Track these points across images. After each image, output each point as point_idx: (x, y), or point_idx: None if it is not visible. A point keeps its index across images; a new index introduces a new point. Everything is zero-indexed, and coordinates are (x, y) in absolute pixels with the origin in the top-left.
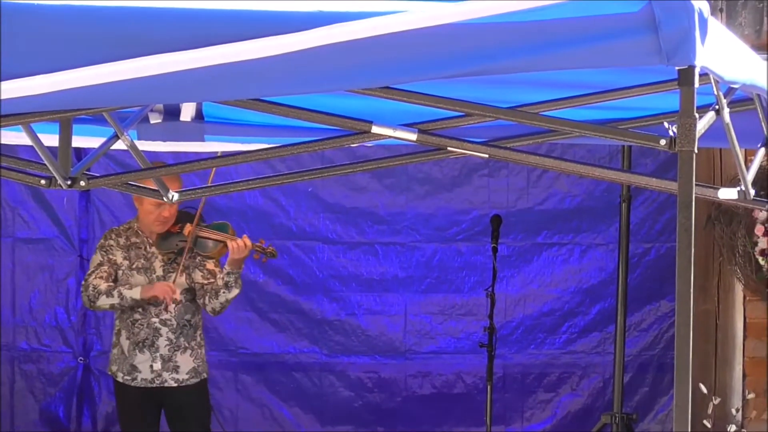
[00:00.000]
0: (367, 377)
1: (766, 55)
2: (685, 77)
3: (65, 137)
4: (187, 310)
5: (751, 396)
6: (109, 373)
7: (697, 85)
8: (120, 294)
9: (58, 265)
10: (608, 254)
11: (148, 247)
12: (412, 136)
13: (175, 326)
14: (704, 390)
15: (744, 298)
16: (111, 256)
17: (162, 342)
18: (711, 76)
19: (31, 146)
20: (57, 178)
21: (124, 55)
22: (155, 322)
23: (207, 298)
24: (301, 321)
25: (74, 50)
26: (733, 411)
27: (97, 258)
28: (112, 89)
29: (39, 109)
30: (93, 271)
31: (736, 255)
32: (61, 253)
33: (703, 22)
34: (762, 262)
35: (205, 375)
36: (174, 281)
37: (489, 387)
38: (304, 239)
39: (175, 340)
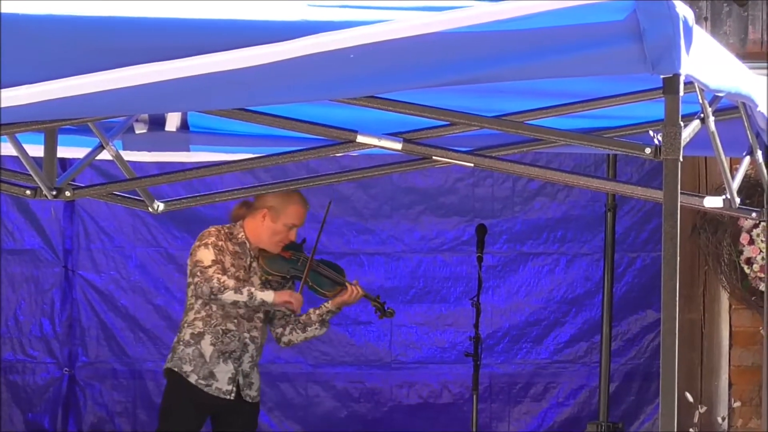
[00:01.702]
0: (353, 387)
1: (750, 64)
2: (670, 85)
3: (50, 148)
4: (266, 332)
5: (737, 405)
6: (176, 369)
7: (682, 93)
8: (250, 293)
9: (43, 276)
10: (594, 264)
11: (249, 259)
12: (397, 146)
13: (258, 345)
14: (690, 399)
15: (730, 306)
16: (222, 258)
17: (247, 358)
18: (696, 84)
19: (16, 157)
20: (42, 188)
21: (109, 65)
22: (246, 337)
23: (289, 328)
24: None
25: (60, 60)
26: (719, 420)
27: (210, 254)
28: (98, 99)
29: (24, 120)
30: (211, 266)
31: (721, 264)
32: (46, 264)
33: (688, 31)
34: (747, 271)
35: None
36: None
37: (475, 397)
38: None
39: (255, 358)
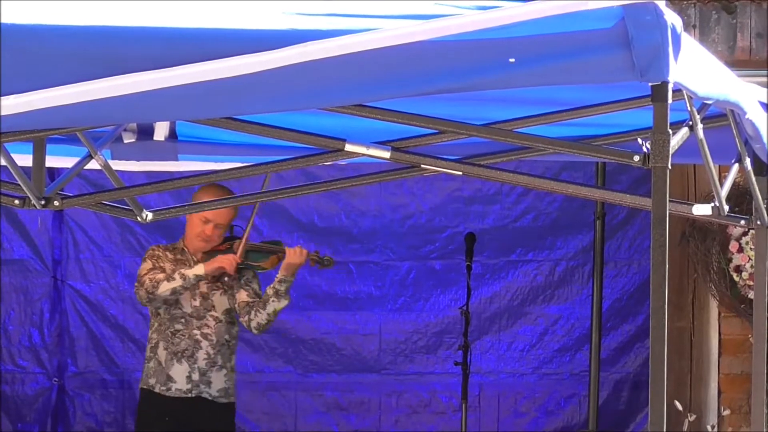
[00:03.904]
0: (342, 396)
1: (739, 71)
2: (658, 93)
3: (39, 157)
4: (227, 331)
5: (726, 413)
6: (145, 387)
7: (670, 101)
8: (182, 274)
9: (32, 287)
10: (583, 272)
11: (192, 264)
12: (386, 154)
13: (214, 342)
14: (679, 407)
15: (719, 314)
16: (161, 264)
17: (201, 355)
18: (684, 92)
19: (5, 166)
20: (31, 198)
21: (97, 74)
22: (196, 334)
23: (253, 312)
24: (275, 340)
25: (48, 70)
26: (709, 428)
27: (147, 265)
28: (86, 109)
29: (12, 129)
30: (146, 273)
31: (710, 271)
32: (35, 274)
33: (677, 38)
34: (736, 279)
35: (233, 399)
36: (226, 281)
37: (464, 406)
38: None
39: (213, 356)
